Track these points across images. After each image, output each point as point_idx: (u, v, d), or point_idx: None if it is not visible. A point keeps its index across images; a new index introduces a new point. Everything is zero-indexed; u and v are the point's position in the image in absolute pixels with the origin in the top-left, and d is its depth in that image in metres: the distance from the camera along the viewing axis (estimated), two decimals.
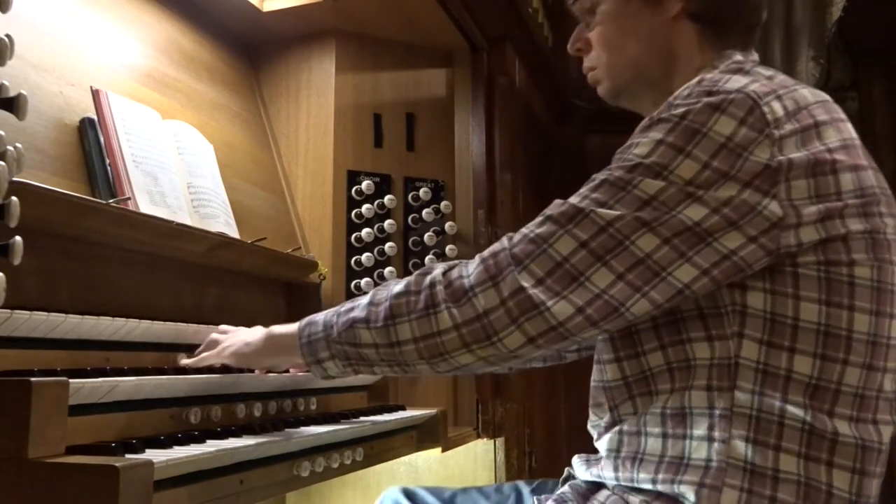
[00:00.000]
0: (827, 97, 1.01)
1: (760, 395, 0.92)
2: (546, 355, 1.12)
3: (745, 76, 0.99)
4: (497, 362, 0.99)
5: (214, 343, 1.31)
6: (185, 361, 1.27)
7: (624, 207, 0.92)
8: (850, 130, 0.99)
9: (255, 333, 1.23)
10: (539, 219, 0.98)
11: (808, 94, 0.99)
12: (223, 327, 1.35)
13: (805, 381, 0.91)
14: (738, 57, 1.08)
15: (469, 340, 0.96)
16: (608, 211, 0.93)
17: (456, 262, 1.01)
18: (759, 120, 0.91)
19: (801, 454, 0.90)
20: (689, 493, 0.92)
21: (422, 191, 2.16)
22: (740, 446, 0.91)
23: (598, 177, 0.97)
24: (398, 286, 1.02)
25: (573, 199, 0.96)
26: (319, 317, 1.11)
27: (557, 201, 0.98)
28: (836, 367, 0.91)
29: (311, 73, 2.13)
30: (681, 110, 0.94)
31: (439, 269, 1.01)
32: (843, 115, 1.01)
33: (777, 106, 0.93)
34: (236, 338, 1.26)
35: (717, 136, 0.91)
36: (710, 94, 0.94)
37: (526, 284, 0.93)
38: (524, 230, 0.98)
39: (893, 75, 3.06)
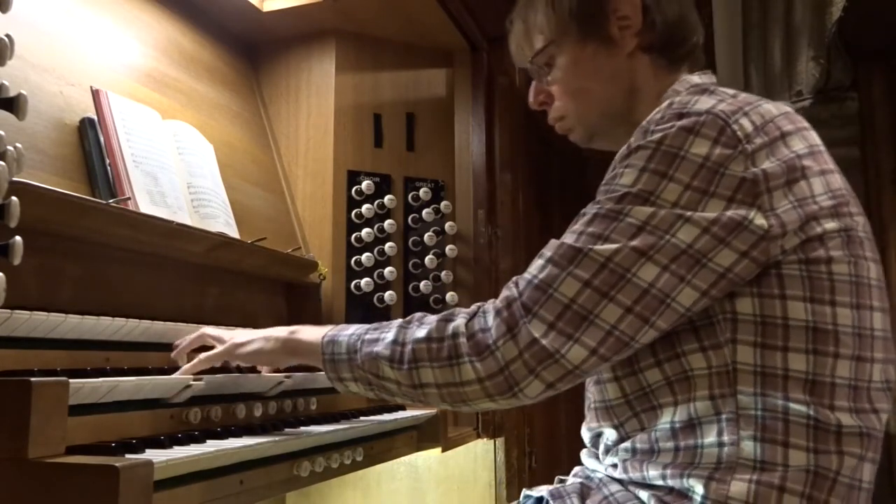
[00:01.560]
0: (789, 109, 1.04)
1: (762, 396, 0.94)
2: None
3: (710, 96, 1.02)
4: (516, 404, 1.02)
5: (210, 340, 1.27)
6: (186, 367, 1.22)
7: (619, 237, 0.95)
8: (814, 138, 1.03)
9: (274, 333, 1.22)
10: (539, 261, 0.99)
11: (772, 107, 1.02)
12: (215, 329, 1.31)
13: (802, 378, 0.93)
14: (696, 79, 1.12)
15: (492, 392, 0.98)
16: (605, 246, 0.95)
17: (476, 308, 1.03)
18: (732, 138, 0.95)
19: (809, 448, 0.92)
20: (697, 486, 0.93)
21: (422, 191, 2.15)
22: (749, 446, 0.93)
23: (589, 211, 0.99)
24: (421, 331, 1.04)
25: (569, 239, 0.98)
26: (343, 337, 1.11)
27: (554, 242, 1.00)
28: (828, 361, 0.94)
29: (311, 73, 2.14)
30: (657, 136, 0.97)
31: (461, 318, 1.02)
32: (806, 124, 1.04)
33: (745, 122, 0.96)
34: (254, 335, 1.23)
35: (695, 157, 0.95)
36: (681, 116, 0.97)
37: (538, 334, 0.95)
38: (527, 275, 0.99)
39: (893, 75, 3.05)
